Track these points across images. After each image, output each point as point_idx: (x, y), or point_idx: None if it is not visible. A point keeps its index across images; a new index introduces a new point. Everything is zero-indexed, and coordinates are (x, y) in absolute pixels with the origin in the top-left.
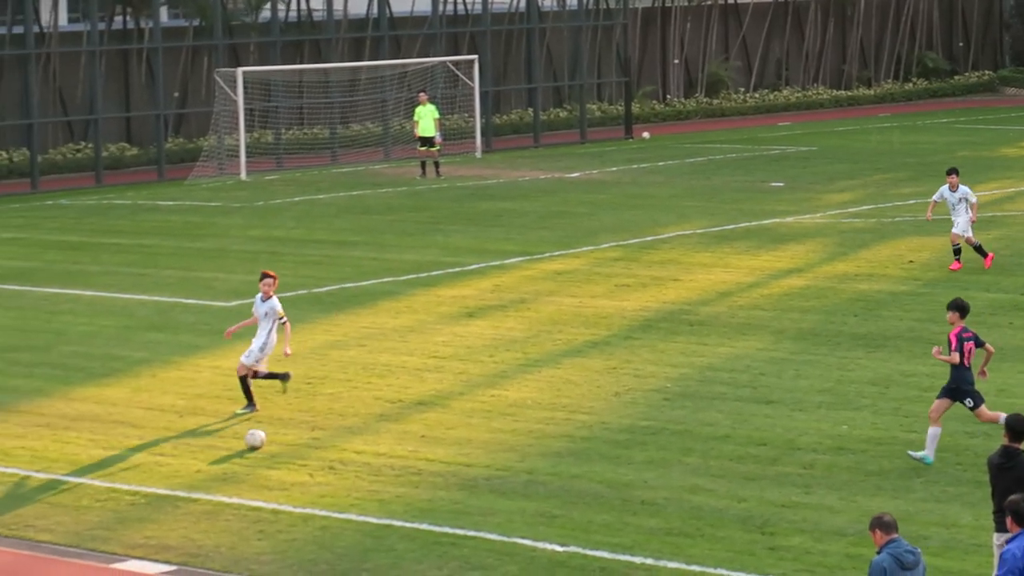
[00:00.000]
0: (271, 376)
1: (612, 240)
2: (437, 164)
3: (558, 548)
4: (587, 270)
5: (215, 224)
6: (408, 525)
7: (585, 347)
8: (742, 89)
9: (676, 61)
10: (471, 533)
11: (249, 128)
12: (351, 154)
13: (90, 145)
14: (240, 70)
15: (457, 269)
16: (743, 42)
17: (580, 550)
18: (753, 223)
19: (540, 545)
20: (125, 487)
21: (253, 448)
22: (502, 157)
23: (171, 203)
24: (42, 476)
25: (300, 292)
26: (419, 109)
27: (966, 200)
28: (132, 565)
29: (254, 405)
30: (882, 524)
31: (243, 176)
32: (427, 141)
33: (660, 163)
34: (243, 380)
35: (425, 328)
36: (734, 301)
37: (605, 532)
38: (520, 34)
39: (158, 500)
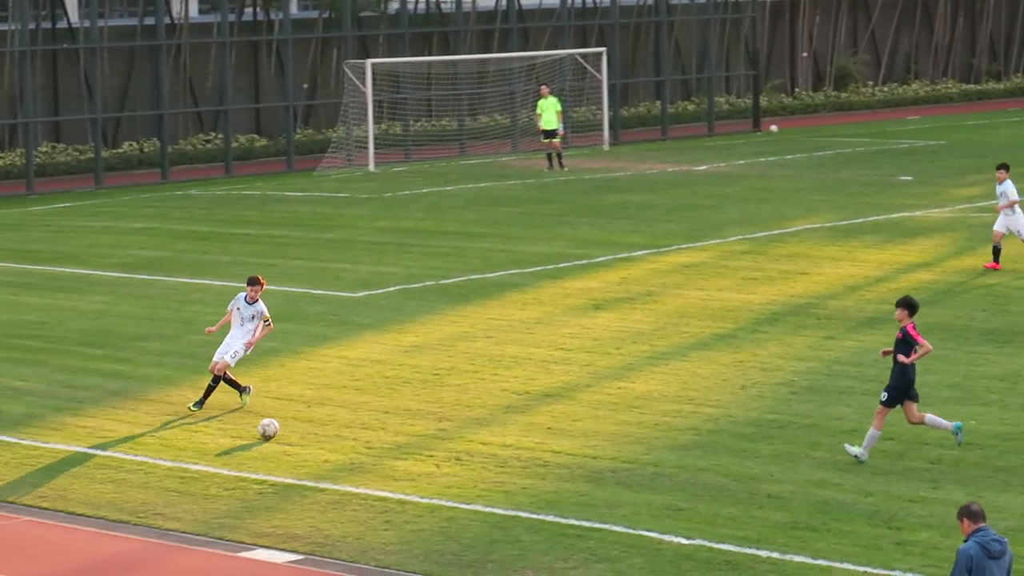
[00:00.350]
0: (232, 383)
1: (739, 233)
2: (560, 156)
3: (684, 541)
4: (714, 263)
5: (343, 215)
6: (534, 517)
7: (712, 340)
8: (870, 82)
9: (804, 54)
10: (597, 525)
11: (378, 119)
12: (479, 146)
13: (220, 136)
14: (369, 62)
15: (584, 261)
16: (872, 35)
17: (706, 543)
18: (881, 217)
19: (666, 538)
20: (253, 476)
21: (268, 437)
22: (630, 150)
23: (300, 194)
24: (171, 464)
25: (427, 283)
26: (541, 102)
27: (1006, 196)
28: (259, 554)
29: (247, 388)
30: (970, 513)
31: (371, 167)
32: (550, 134)
33: (788, 156)
34: (224, 377)
35: (552, 320)
36: (862, 295)
37: (731, 525)
38: (648, 27)
39: (286, 489)
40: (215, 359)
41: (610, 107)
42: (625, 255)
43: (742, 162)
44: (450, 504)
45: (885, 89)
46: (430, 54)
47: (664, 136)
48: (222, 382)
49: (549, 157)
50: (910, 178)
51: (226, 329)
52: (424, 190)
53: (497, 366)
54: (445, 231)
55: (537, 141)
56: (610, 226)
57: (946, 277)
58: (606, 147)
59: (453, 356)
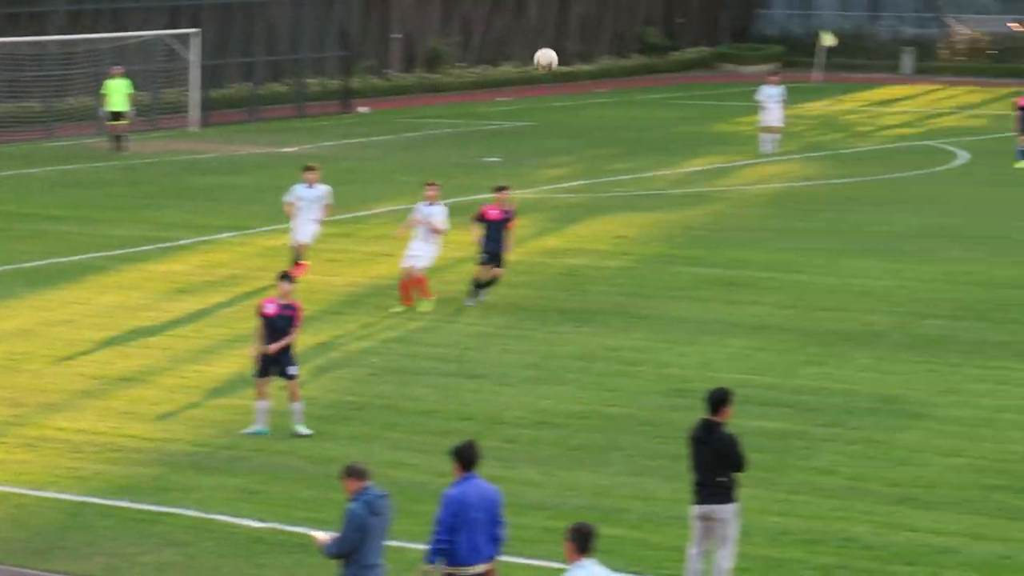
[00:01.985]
0: None
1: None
2: (124, 139)
3: (257, 524)
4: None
5: None
6: (106, 502)
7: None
8: (462, 64)
9: (396, 35)
10: (170, 510)
11: None
12: (67, 128)
13: None
14: None
15: (167, 244)
16: (465, 17)
17: (280, 526)
18: (467, 199)
19: (239, 521)
20: None
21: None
22: (218, 131)
23: None
24: None
25: (7, 268)
26: (109, 83)
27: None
28: None
29: None
30: (354, 472)
31: None
32: (117, 115)
33: (376, 138)
34: None
35: (132, 304)
36: (443, 276)
37: (307, 508)
38: (239, 8)
39: None
40: None
41: (200, 88)
42: (207, 238)
43: (331, 143)
44: (20, 491)
45: (476, 70)
46: (18, 34)
47: (253, 118)
48: None
49: (116, 139)
50: (498, 159)
51: None
52: (7, 173)
53: (75, 351)
54: (26, 214)
55: (111, 124)
56: (196, 208)
57: (529, 257)
58: (195, 129)
59: (31, 341)
